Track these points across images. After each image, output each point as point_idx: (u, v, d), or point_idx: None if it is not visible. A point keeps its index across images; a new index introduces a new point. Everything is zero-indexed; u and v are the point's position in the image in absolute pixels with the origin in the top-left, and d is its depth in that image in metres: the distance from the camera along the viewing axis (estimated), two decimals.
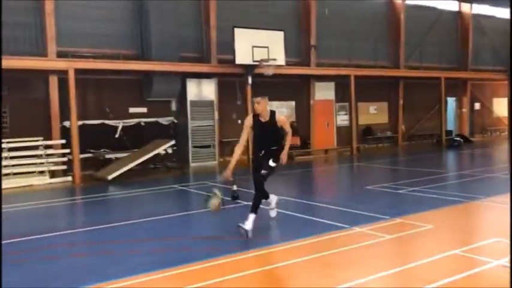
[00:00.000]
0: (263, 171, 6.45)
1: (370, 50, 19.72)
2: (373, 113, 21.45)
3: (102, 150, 14.45)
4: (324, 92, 19.25)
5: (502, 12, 26.28)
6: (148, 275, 4.81)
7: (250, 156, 6.87)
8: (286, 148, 6.62)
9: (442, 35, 23.15)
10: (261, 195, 6.57)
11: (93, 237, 6.80)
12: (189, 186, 11.80)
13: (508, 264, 4.68)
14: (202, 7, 16.31)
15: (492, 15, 25.80)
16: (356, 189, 10.53)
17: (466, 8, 24.05)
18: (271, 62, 14.55)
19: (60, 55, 13.27)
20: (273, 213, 7.24)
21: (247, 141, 7.02)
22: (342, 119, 20.11)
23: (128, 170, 12.85)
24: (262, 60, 14.42)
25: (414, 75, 21.02)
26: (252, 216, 6.27)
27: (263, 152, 6.56)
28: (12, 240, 6.44)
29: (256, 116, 6.52)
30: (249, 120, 6.60)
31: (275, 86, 17.67)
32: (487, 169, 13.05)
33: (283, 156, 6.55)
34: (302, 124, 18.87)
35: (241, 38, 14.28)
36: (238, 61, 14.34)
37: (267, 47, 14.50)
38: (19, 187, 12.01)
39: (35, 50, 13.01)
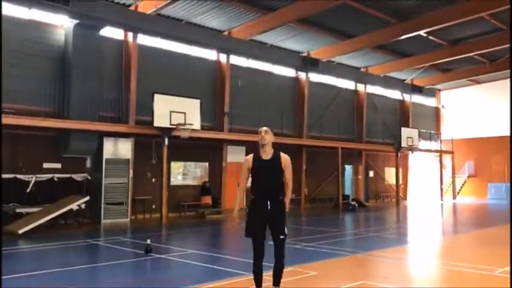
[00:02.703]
0: (282, 237, 5.58)
1: (277, 119, 21.77)
2: None
3: (12, 204, 14.36)
4: (235, 155, 20.66)
5: (391, 93, 30.30)
6: None
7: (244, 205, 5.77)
8: (287, 198, 5.68)
9: (340, 110, 26.15)
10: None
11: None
12: (99, 240, 12.14)
13: None
14: (124, 71, 17.38)
15: (383, 95, 29.63)
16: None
17: (361, 87, 27.47)
18: (187, 126, 15.75)
19: None
20: None
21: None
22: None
23: (39, 225, 12.97)
24: (179, 124, 15.58)
25: (315, 144, 23.34)
26: None
27: (269, 203, 5.56)
28: None
29: (257, 155, 5.67)
30: (248, 160, 5.68)
31: (190, 147, 18.85)
32: (372, 229, 15.05)
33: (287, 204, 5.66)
34: (214, 184, 20.01)
35: (160, 103, 15.43)
36: (156, 124, 15.38)
37: (184, 113, 15.73)
38: None
39: None
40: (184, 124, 15.65)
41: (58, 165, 15.83)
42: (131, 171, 16.93)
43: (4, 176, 14.24)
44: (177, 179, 19.29)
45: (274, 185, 5.62)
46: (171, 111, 15.47)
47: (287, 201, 5.68)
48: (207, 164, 20.32)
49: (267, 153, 5.66)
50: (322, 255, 9.57)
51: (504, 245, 10.74)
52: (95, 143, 15.98)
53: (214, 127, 19.79)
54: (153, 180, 17.83)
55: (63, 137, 15.58)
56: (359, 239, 12.59)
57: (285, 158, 5.68)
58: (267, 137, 5.63)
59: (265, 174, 5.57)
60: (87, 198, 14.14)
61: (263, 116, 20.95)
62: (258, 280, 5.65)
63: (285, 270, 5.87)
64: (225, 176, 20.37)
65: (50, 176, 15.44)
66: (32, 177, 14.98)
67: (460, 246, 11.73)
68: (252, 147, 20.26)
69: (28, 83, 14.89)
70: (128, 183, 16.81)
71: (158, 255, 9.46)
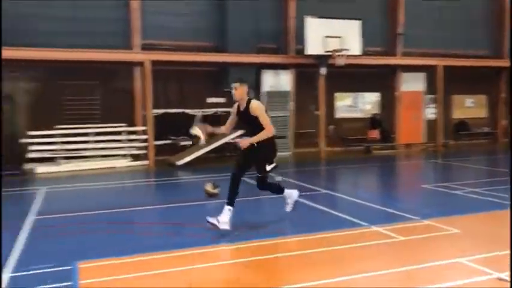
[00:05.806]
0: (258, 175, 6.28)
1: (467, 38, 18.13)
2: (470, 107, 19.78)
3: (181, 137, 15.27)
4: (411, 84, 18.13)
5: None
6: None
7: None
8: (254, 138, 6.01)
9: None
10: (268, 189, 6.59)
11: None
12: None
13: (507, 278, 4.21)
14: None
15: None
16: (409, 187, 9.85)
17: None
18: (343, 52, 14.15)
19: (145, 48, 14.27)
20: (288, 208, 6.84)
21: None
22: (433, 112, 18.82)
23: (205, 157, 13.60)
24: (334, 51, 14.10)
25: None
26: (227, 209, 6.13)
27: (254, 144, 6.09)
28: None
29: (238, 105, 6.28)
30: (234, 107, 6.41)
31: (357, 76, 17.19)
32: None
33: (244, 142, 6.04)
34: (387, 116, 18.09)
35: (313, 28, 14.10)
36: (309, 51, 14.20)
37: (340, 37, 14.11)
38: (102, 168, 13.24)
39: (122, 43, 14.16)
40: (341, 50, 14.06)
41: (222, 100, 16.14)
42: (292, 104, 16.32)
43: (173, 110, 15.15)
44: (343, 111, 18.00)
45: (251, 130, 6.18)
46: (325, 36, 14.01)
47: (255, 138, 6.02)
48: (378, 94, 18.40)
49: (242, 105, 6.22)
50: (483, 205, 7.49)
51: None
52: (253, 75, 15.70)
53: (385, 51, 17.53)
54: (316, 113, 16.91)
55: (223, 71, 15.71)
56: None
57: (252, 107, 6.08)
58: (236, 93, 6.17)
59: (244, 121, 6.32)
60: (242, 131, 13.95)
61: (448, 35, 17.69)
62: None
63: (418, 224, 6.28)
64: (399, 107, 18.12)
65: (214, 110, 15.88)
66: (198, 112, 15.63)
67: None
68: (430, 74, 17.61)
69: (187, 19, 15.12)
70: (288, 117, 16.31)
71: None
